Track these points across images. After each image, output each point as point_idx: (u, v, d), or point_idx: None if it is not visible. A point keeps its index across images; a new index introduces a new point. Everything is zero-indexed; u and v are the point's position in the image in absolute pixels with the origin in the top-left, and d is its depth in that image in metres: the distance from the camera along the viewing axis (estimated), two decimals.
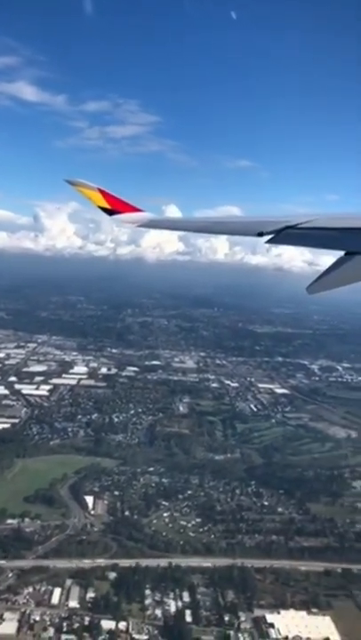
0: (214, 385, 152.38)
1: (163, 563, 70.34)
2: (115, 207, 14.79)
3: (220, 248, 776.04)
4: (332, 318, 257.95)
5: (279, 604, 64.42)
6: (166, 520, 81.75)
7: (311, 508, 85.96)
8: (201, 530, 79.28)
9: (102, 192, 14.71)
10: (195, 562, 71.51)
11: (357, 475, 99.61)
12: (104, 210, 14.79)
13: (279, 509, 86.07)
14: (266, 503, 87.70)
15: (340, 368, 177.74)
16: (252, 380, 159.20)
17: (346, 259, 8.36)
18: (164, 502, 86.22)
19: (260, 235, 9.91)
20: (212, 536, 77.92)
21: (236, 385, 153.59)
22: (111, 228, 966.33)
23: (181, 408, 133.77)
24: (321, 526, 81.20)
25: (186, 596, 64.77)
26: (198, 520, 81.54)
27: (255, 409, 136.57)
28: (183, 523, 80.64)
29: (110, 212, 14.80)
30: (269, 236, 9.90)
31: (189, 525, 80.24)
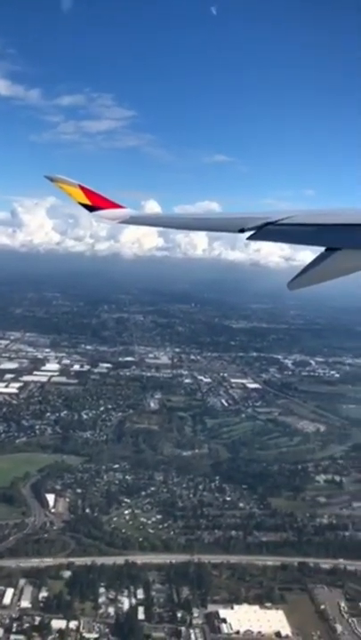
0: (187, 380, 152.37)
1: (119, 560, 70.33)
2: (95, 203, 14.68)
3: (199, 243, 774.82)
4: (309, 313, 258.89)
5: (233, 599, 64.71)
6: (127, 517, 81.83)
7: (272, 503, 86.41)
8: (161, 526, 79.42)
9: (83, 188, 14.57)
10: (152, 559, 71.62)
11: (321, 469, 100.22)
12: (84, 206, 14.67)
13: (240, 504, 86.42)
14: (228, 498, 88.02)
15: (313, 362, 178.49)
16: (225, 375, 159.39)
17: (326, 255, 8.42)
18: (126, 499, 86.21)
19: (242, 231, 9.97)
20: (172, 532, 78.07)
21: (208, 380, 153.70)
22: (90, 224, 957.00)
23: (152, 404, 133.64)
24: (281, 521, 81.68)
25: (140, 594, 64.87)
26: (159, 517, 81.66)
27: (226, 404, 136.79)
28: (143, 520, 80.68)
29: (91, 209, 14.69)
30: (250, 233, 9.95)
31: (149, 522, 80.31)
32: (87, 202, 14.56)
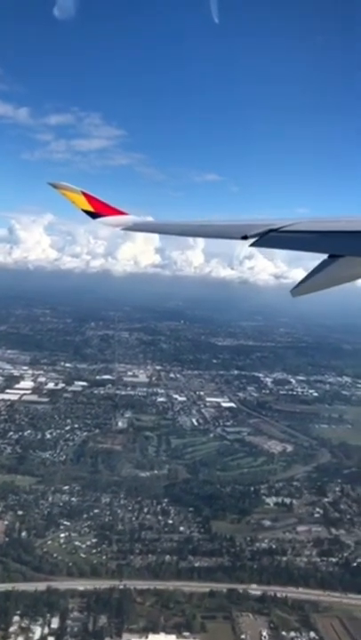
0: (161, 399, 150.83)
1: (42, 586, 68.54)
2: (98, 210, 14.86)
3: (195, 260, 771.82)
4: (298, 331, 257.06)
5: (150, 628, 62.69)
6: (62, 541, 79.92)
7: (214, 527, 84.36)
8: (94, 551, 77.52)
9: (86, 195, 14.73)
10: (77, 585, 69.65)
11: (275, 491, 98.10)
12: (88, 213, 14.81)
13: (181, 528, 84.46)
14: (170, 522, 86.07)
15: (293, 381, 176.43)
16: (202, 393, 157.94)
17: (329, 261, 8.54)
18: (65, 522, 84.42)
19: (245, 238, 9.96)
20: (104, 557, 76.13)
21: (183, 399, 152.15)
22: (87, 241, 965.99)
23: (120, 423, 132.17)
24: (218, 545, 79.63)
25: (55, 622, 63.05)
26: (94, 540, 79.76)
27: (196, 423, 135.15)
28: (78, 543, 78.86)
29: (94, 215, 14.85)
30: (253, 239, 9.94)
31: (83, 546, 78.47)
32: (90, 208, 14.74)
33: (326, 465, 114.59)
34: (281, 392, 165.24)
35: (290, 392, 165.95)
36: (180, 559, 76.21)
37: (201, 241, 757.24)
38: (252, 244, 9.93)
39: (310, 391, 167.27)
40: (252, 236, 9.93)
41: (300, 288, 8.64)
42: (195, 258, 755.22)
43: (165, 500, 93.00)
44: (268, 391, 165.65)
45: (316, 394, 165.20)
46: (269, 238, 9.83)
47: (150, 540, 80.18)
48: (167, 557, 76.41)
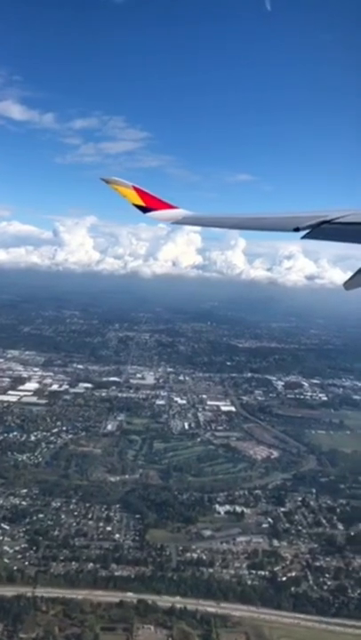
0: (160, 402, 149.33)
1: None
2: (149, 205, 15.02)
3: (236, 261, 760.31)
4: (328, 332, 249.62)
5: (41, 638, 61.63)
6: None
7: (151, 535, 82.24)
8: (20, 556, 76.12)
9: (137, 190, 14.95)
10: None
11: (232, 499, 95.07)
12: (139, 207, 15.00)
13: (117, 536, 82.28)
14: (108, 529, 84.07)
15: (306, 384, 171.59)
16: (204, 396, 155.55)
17: None
18: (4, 526, 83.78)
19: (297, 230, 9.89)
20: (26, 563, 74.87)
21: (183, 402, 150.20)
22: (129, 242, 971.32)
23: (110, 426, 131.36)
24: (146, 554, 77.42)
25: None
26: (24, 546, 78.41)
27: (187, 427, 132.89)
28: (6, 548, 77.66)
29: (145, 210, 15.03)
30: (306, 232, 9.88)
31: (11, 551, 77.30)
32: (141, 203, 14.88)
33: (306, 472, 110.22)
34: (289, 396, 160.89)
35: (298, 396, 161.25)
36: (102, 567, 74.09)
37: (242, 241, 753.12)
38: (303, 237, 9.75)
39: (320, 395, 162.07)
40: (304, 228, 9.70)
41: (354, 280, 8.46)
42: (235, 258, 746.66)
43: (117, 506, 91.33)
44: (275, 395, 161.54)
45: (325, 398, 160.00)
46: (322, 230, 9.60)
47: (79, 547, 78.49)
48: (90, 565, 74.57)
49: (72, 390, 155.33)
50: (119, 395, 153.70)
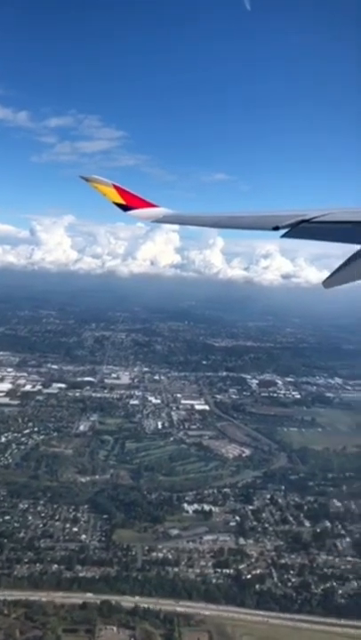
0: (134, 402, 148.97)
1: None
2: (130, 203, 14.99)
3: (214, 260, 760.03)
4: (304, 331, 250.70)
5: None
6: None
7: (117, 535, 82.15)
8: None
9: (117, 188, 14.87)
10: None
11: (200, 498, 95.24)
12: (119, 205, 14.94)
13: (83, 536, 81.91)
14: (75, 529, 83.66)
15: (280, 382, 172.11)
16: (179, 395, 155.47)
17: None
18: None
19: (276, 229, 9.93)
20: None
21: (157, 401, 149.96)
22: (108, 241, 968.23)
23: (82, 427, 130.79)
24: (112, 555, 77.34)
25: None
26: None
27: (160, 427, 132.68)
28: None
29: (125, 208, 14.98)
30: (285, 230, 9.91)
31: None
32: (122, 201, 14.82)
33: (277, 470, 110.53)
34: (263, 394, 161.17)
35: (272, 394, 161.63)
36: (67, 569, 73.82)
37: (220, 240, 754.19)
38: (283, 235, 9.80)
39: (293, 393, 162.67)
40: (284, 227, 9.78)
41: (333, 279, 8.36)
42: (213, 257, 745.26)
43: (85, 507, 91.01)
44: (249, 393, 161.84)
45: (298, 396, 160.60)
46: (301, 229, 9.67)
47: (44, 549, 78.03)
48: (54, 567, 74.31)
49: (45, 391, 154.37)
50: (93, 395, 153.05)
